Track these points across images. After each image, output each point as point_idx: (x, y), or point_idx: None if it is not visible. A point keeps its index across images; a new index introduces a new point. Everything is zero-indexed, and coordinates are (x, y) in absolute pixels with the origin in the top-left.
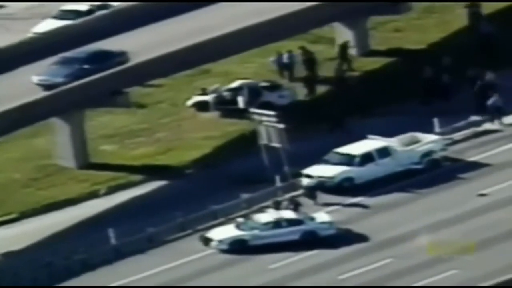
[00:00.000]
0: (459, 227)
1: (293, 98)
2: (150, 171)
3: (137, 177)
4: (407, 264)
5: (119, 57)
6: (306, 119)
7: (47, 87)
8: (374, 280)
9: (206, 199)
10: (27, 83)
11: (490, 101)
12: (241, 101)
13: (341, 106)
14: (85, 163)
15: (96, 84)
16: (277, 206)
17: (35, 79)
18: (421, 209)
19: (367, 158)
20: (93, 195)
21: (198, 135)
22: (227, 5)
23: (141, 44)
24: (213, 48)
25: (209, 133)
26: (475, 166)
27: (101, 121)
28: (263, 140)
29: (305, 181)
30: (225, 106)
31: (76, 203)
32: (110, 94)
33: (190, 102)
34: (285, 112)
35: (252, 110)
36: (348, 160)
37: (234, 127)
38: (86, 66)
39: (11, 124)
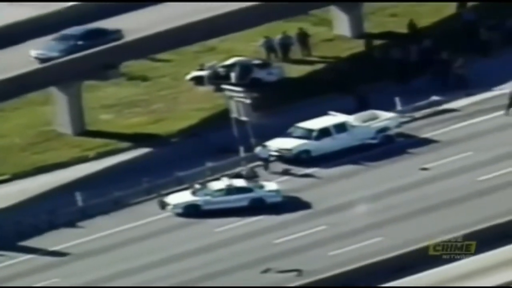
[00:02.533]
0: (396, 198)
1: (281, 75)
2: (139, 139)
3: (125, 144)
4: (338, 231)
5: (113, 34)
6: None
7: (43, 60)
8: (304, 246)
9: (183, 165)
10: (27, 57)
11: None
12: (233, 77)
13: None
14: (82, 130)
15: (88, 59)
16: (237, 176)
17: (33, 53)
18: (367, 180)
19: (324, 132)
20: (82, 159)
21: (190, 107)
22: None
23: (145, 22)
24: (202, 28)
25: (200, 105)
26: (425, 142)
27: (106, 92)
28: (234, 114)
29: (260, 152)
30: (219, 81)
31: (65, 166)
32: (102, 68)
33: (188, 77)
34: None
35: (224, 86)
36: (307, 134)
37: (224, 100)
38: (80, 43)
39: (7, 92)
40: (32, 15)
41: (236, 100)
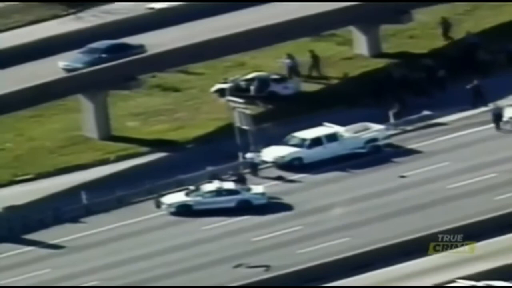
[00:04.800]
0: (371, 202)
1: (296, 89)
2: (158, 144)
3: (144, 149)
4: (311, 231)
5: (136, 49)
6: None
7: (69, 71)
8: (278, 243)
9: (192, 169)
10: (56, 68)
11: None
12: (252, 90)
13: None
14: (107, 136)
15: (109, 70)
16: (222, 179)
17: (61, 64)
18: (349, 185)
19: (316, 141)
20: (102, 162)
21: (209, 117)
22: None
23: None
24: (218, 45)
25: (218, 115)
26: (410, 152)
27: (137, 101)
28: (237, 123)
29: (252, 158)
30: (240, 93)
31: (86, 168)
32: (123, 79)
33: (213, 89)
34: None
35: (228, 97)
36: (300, 142)
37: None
38: (104, 55)
39: (33, 98)
40: (67, 30)
41: (239, 110)
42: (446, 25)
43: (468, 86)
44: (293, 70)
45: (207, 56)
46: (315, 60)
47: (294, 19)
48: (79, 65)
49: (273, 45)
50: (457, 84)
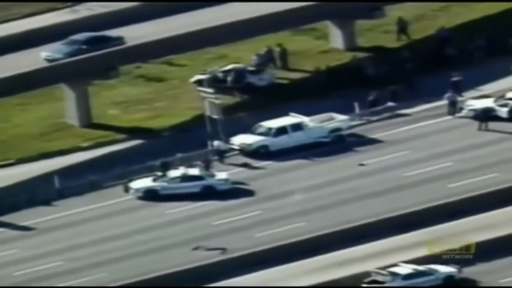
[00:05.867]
0: (329, 189)
1: (271, 81)
2: (135, 132)
3: (122, 136)
4: (270, 215)
5: (116, 41)
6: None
7: (50, 61)
8: (236, 227)
9: (166, 155)
10: (38, 58)
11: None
12: (229, 81)
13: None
14: (88, 123)
15: (88, 61)
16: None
17: (43, 55)
18: (311, 173)
19: (281, 130)
20: (81, 148)
21: (187, 106)
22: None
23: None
24: (197, 37)
25: (195, 105)
26: (372, 142)
27: (121, 90)
28: (207, 112)
29: (216, 145)
30: (217, 84)
31: (65, 153)
32: (103, 69)
33: (192, 80)
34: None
35: (199, 88)
36: (267, 131)
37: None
38: (84, 47)
39: (13, 87)
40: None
41: (209, 100)
42: (401, 24)
43: (452, 79)
44: (270, 62)
45: (185, 48)
46: (283, 53)
47: (273, 13)
48: (60, 56)
49: (252, 38)
50: (426, 78)
